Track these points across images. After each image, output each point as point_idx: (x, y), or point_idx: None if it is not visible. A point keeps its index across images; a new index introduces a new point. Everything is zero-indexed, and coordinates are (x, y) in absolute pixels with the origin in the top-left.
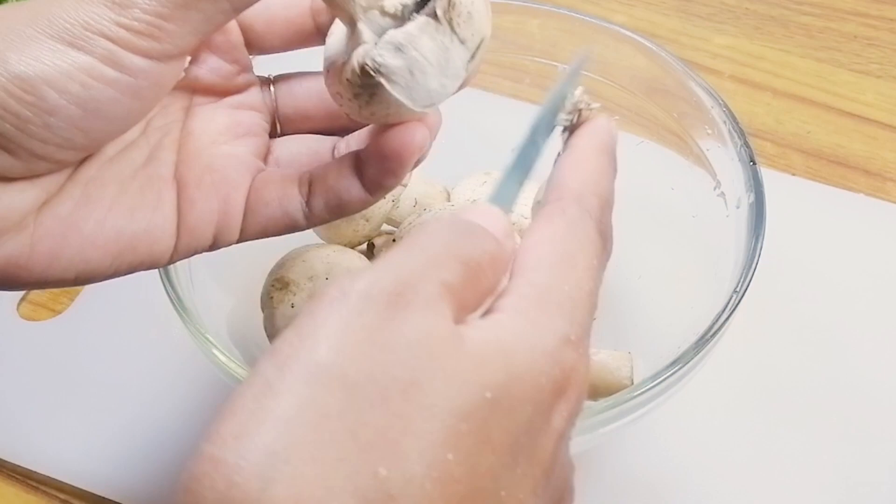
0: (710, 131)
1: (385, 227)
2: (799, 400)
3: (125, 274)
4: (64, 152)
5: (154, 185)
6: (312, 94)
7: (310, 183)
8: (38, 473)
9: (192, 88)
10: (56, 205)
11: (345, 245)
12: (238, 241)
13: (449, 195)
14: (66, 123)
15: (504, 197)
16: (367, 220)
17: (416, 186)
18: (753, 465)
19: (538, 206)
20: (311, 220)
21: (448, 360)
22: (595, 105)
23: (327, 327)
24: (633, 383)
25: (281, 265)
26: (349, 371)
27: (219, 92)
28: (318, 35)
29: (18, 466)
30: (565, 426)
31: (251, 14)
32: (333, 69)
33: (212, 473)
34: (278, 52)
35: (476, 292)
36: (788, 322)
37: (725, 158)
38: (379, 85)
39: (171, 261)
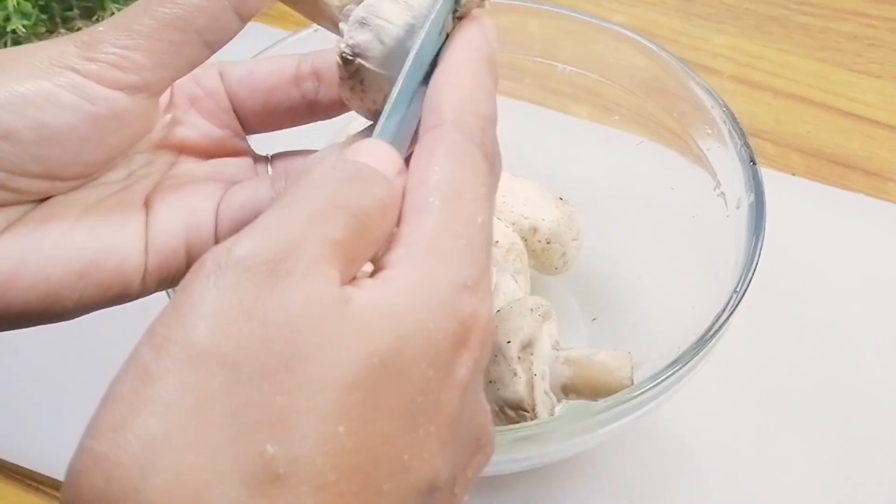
0: (710, 131)
1: None
2: (799, 400)
3: (94, 303)
4: (18, 180)
5: (120, 209)
6: (273, 96)
7: (285, 175)
8: (38, 473)
9: (180, 149)
10: (16, 227)
11: None
12: None
13: None
14: (20, 149)
15: (389, 129)
16: None
17: None
18: (754, 464)
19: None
20: None
21: (331, 328)
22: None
23: (203, 305)
24: (633, 383)
25: None
26: (228, 349)
27: (205, 154)
28: (305, 108)
29: (18, 466)
30: (470, 376)
31: (235, 80)
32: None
33: (91, 468)
34: (267, 129)
35: (366, 242)
36: (788, 322)
37: (725, 158)
38: (361, 67)
39: (145, 285)
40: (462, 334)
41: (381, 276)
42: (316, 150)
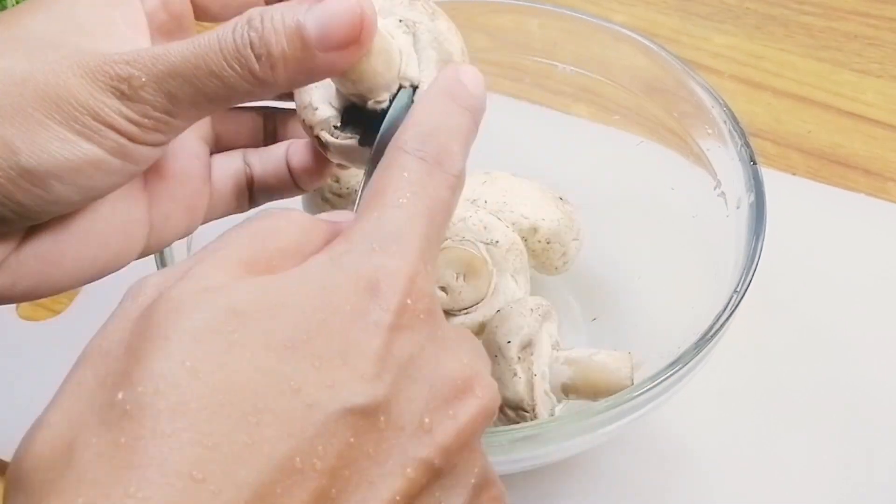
0: (710, 131)
1: None
2: (799, 399)
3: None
4: (48, 216)
5: (123, 204)
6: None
7: (252, 183)
8: None
9: None
10: (34, 241)
11: None
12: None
13: None
14: (65, 206)
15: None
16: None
17: None
18: (754, 464)
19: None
20: (252, 206)
21: (191, 299)
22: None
23: (102, 326)
24: (633, 383)
25: None
26: (103, 344)
27: None
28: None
29: None
30: (393, 318)
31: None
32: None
33: (13, 458)
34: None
35: (265, 250)
36: (789, 322)
37: (726, 158)
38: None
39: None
40: (368, 285)
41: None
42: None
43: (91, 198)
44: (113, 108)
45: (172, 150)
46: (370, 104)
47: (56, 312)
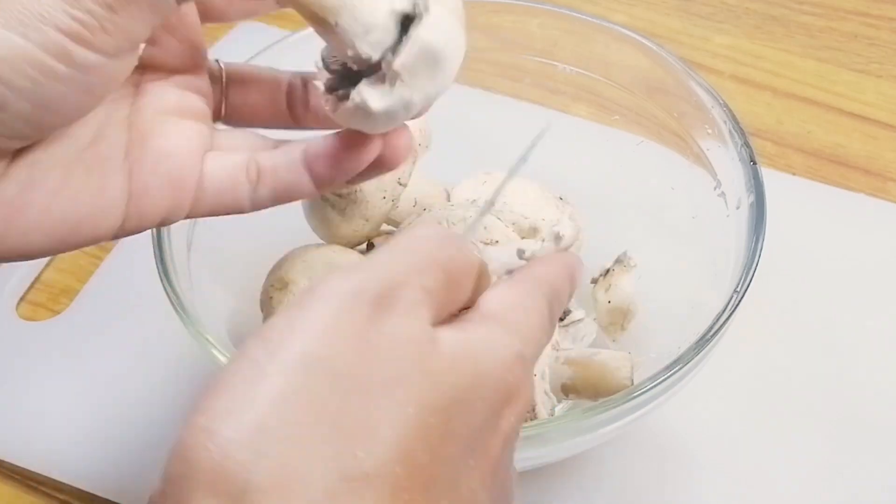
0: (710, 131)
1: (385, 227)
2: (799, 399)
3: (65, 251)
4: (11, 142)
5: (100, 168)
6: (263, 87)
7: (258, 172)
8: (37, 473)
9: (143, 65)
10: (1, 188)
11: (344, 245)
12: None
13: (449, 195)
14: (16, 117)
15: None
16: (367, 221)
17: (415, 186)
18: (754, 464)
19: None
20: (256, 206)
21: (425, 360)
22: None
23: (318, 321)
24: (633, 383)
25: (280, 265)
26: (336, 363)
27: (170, 70)
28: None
29: (18, 466)
30: (511, 430)
31: None
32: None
33: (206, 443)
34: (237, 20)
35: (453, 298)
36: (789, 322)
37: (726, 158)
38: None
39: (114, 238)
40: (513, 391)
41: (459, 325)
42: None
43: (49, 118)
44: (58, 8)
45: (158, 121)
46: (350, 53)
47: (56, 312)
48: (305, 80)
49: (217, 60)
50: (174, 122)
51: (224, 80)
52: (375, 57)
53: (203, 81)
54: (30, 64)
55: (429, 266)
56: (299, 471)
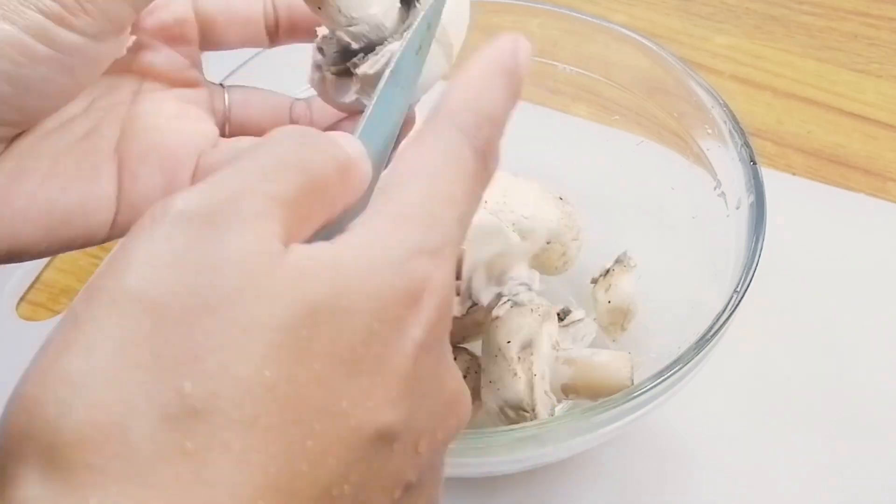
0: (710, 131)
1: None
2: (799, 399)
3: (60, 250)
4: None
5: (90, 159)
6: (267, 108)
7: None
8: None
9: (143, 74)
10: None
11: None
12: None
13: None
14: (3, 109)
15: (368, 132)
16: None
17: None
18: (754, 464)
19: None
20: None
21: (262, 276)
22: None
23: (136, 254)
24: (633, 383)
25: None
26: (154, 294)
27: (169, 81)
28: (270, 37)
29: None
30: (426, 337)
31: (213, 8)
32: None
33: (17, 409)
34: (233, 48)
35: (320, 203)
36: (789, 322)
37: (726, 158)
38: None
39: (110, 236)
40: (414, 293)
41: (338, 238)
42: (271, 91)
43: (33, 102)
44: None
45: (153, 120)
46: (339, 34)
47: (55, 312)
48: (309, 103)
49: (221, 84)
50: (169, 121)
51: (227, 99)
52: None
53: (203, 96)
54: (11, 45)
55: (276, 169)
56: (113, 417)
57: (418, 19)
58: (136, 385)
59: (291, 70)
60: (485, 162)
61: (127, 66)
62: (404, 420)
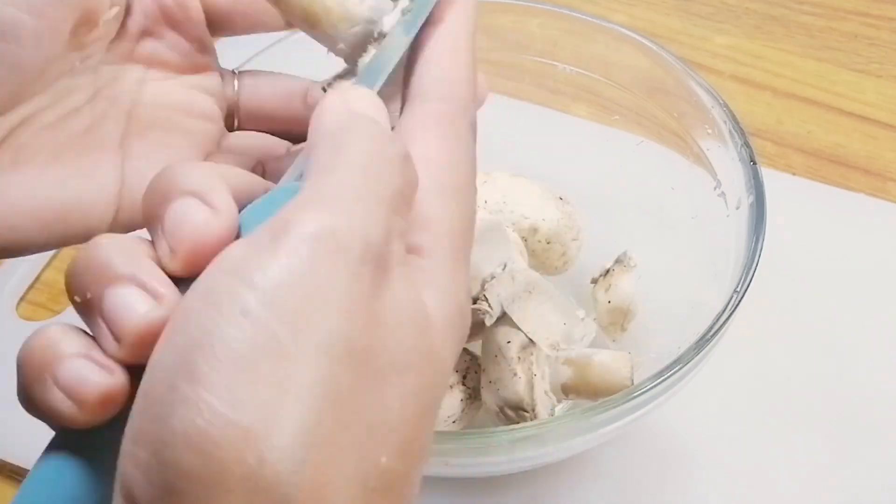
0: (710, 131)
1: None
2: (799, 399)
3: (59, 245)
4: None
5: (92, 154)
6: (278, 94)
7: (263, 174)
8: None
9: (148, 63)
10: None
11: None
12: None
13: None
14: None
15: (377, 83)
16: None
17: None
18: (754, 465)
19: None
20: None
21: (425, 339)
22: None
23: (333, 289)
24: (633, 383)
25: None
26: (356, 343)
27: (176, 68)
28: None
29: (18, 467)
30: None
31: None
32: None
33: (238, 444)
34: (243, 34)
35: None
36: (789, 322)
37: (726, 158)
38: None
39: (111, 231)
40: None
41: (416, 263)
42: (284, 74)
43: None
44: None
45: (160, 115)
46: (333, 49)
47: (55, 312)
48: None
49: (234, 70)
50: (177, 117)
51: (237, 85)
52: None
53: (212, 82)
54: None
55: (398, 201)
56: (332, 481)
57: None
58: (347, 448)
59: (313, 55)
60: (470, 135)
61: (130, 54)
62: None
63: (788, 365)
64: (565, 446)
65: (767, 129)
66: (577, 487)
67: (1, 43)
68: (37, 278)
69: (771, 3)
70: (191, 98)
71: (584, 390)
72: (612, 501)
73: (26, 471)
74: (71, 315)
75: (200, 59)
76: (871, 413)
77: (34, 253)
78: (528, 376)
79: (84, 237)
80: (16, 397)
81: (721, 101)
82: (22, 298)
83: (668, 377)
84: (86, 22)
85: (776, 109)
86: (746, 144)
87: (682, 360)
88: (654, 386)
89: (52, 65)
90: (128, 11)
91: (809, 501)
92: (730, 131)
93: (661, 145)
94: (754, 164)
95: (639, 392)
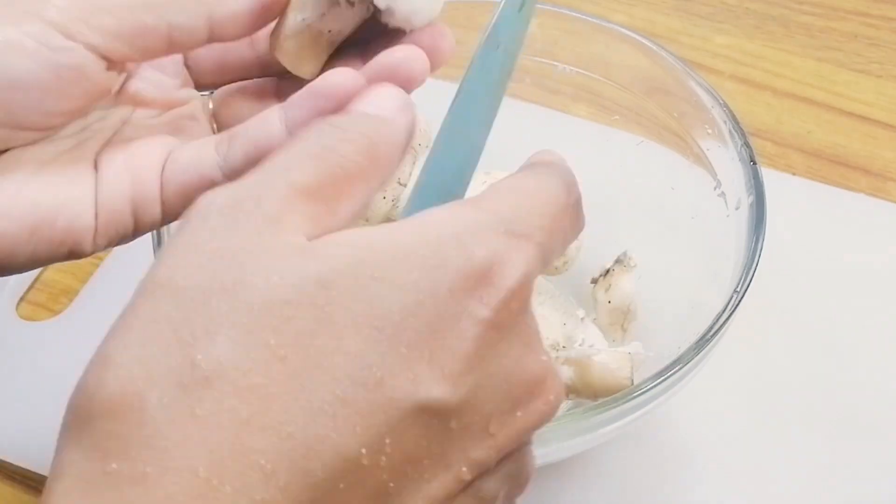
0: (710, 131)
1: None
2: (800, 399)
3: (47, 259)
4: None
5: (72, 165)
6: (246, 100)
7: (229, 139)
8: (38, 473)
9: (133, 102)
10: None
11: None
12: (165, 220)
13: None
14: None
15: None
16: (367, 221)
17: None
18: (755, 465)
19: None
20: (230, 176)
21: (274, 259)
22: None
23: (169, 245)
24: (633, 383)
25: None
26: (178, 280)
27: (159, 105)
28: (257, 65)
29: (18, 466)
30: (492, 314)
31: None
32: None
33: (74, 390)
34: (219, 85)
35: (349, 184)
36: (789, 322)
37: (726, 158)
38: None
39: (95, 244)
40: (477, 271)
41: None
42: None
43: (10, 87)
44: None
45: (134, 125)
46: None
47: (55, 312)
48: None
49: (210, 93)
50: (142, 138)
51: (212, 107)
52: None
53: (197, 110)
54: (1, 40)
55: (298, 160)
56: (137, 388)
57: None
58: (156, 359)
59: None
60: (576, 211)
61: (117, 96)
62: (462, 398)
63: (788, 365)
64: (565, 446)
65: (767, 129)
66: (577, 487)
67: (9, 91)
68: (37, 278)
69: (771, 3)
70: (174, 126)
71: (584, 390)
72: (612, 501)
73: (26, 471)
74: (71, 315)
75: (182, 93)
76: (871, 413)
77: (22, 269)
78: None
79: (70, 246)
80: (16, 397)
81: (721, 101)
82: (22, 298)
83: (668, 377)
84: (98, 98)
85: (776, 109)
86: (746, 144)
87: (682, 360)
88: (654, 386)
89: (52, 119)
90: None
91: (809, 501)
92: (730, 131)
93: (661, 145)
94: (754, 164)
95: (639, 392)
